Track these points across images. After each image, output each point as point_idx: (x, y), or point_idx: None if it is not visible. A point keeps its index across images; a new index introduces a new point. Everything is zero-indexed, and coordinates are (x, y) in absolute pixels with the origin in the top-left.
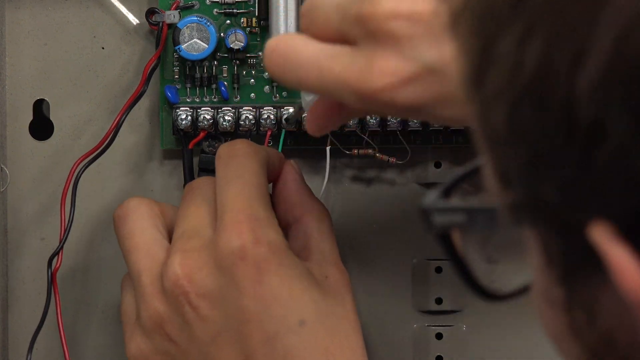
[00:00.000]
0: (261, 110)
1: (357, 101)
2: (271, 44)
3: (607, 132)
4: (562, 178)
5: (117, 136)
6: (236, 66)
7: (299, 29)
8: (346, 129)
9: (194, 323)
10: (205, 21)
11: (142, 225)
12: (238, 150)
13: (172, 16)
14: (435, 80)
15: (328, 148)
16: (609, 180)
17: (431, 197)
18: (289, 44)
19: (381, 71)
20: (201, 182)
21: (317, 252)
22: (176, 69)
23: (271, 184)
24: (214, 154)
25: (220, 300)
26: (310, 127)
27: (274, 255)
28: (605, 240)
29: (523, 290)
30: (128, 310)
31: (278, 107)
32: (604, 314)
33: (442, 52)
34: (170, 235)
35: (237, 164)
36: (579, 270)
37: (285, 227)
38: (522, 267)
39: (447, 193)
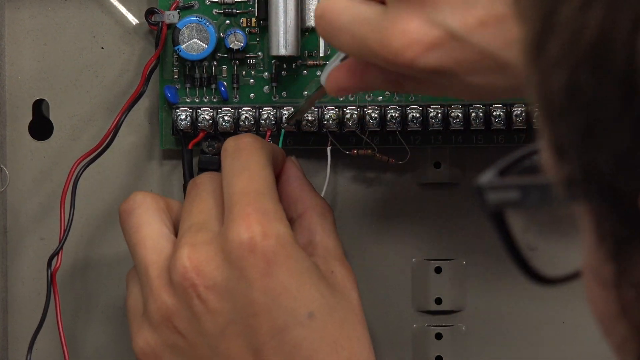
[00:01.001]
0: (261, 110)
1: (384, 64)
2: (318, 9)
3: None
4: (618, 145)
5: (117, 136)
6: (236, 66)
7: (298, 28)
8: (346, 129)
9: (203, 316)
10: (204, 21)
11: (148, 219)
12: (245, 144)
13: (171, 16)
14: (458, 46)
15: (329, 148)
16: None
17: (486, 177)
18: (332, 9)
19: (403, 35)
20: (205, 177)
21: (322, 247)
22: (176, 69)
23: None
24: (214, 154)
25: (228, 292)
26: (330, 86)
27: (283, 248)
28: None
29: (575, 275)
30: (134, 304)
31: (277, 107)
32: None
33: (467, 19)
34: (176, 230)
35: (244, 157)
36: (630, 244)
37: (289, 222)
38: (575, 251)
39: (502, 173)
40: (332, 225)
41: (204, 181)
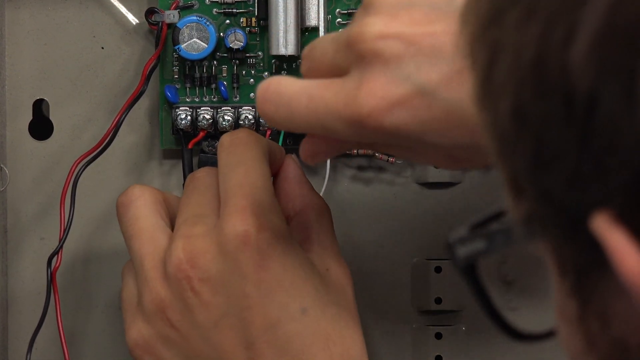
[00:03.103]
0: None
1: (347, 128)
2: (263, 84)
3: (599, 105)
4: (567, 166)
5: (117, 136)
6: (236, 66)
7: (298, 28)
8: None
9: (196, 308)
10: (204, 21)
11: (145, 212)
12: (240, 139)
13: (171, 16)
14: (425, 103)
15: None
16: (604, 158)
17: (457, 232)
18: (281, 82)
19: (369, 93)
20: (203, 172)
21: (318, 244)
22: (176, 69)
23: (272, 178)
24: (214, 153)
25: (222, 285)
26: (304, 155)
27: (278, 241)
28: (604, 228)
29: (552, 332)
30: (129, 296)
31: None
32: (616, 320)
33: (432, 75)
34: (172, 224)
35: (240, 152)
36: (590, 273)
37: (286, 220)
38: (551, 307)
39: (473, 229)
40: (329, 224)
41: (202, 175)
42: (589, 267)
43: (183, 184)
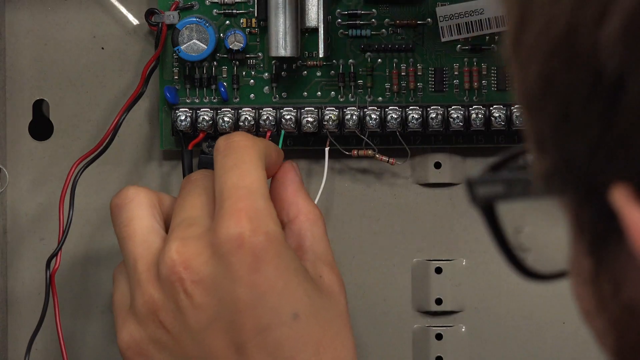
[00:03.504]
0: (260, 111)
1: None
2: None
3: (626, 86)
4: (589, 135)
5: (117, 137)
6: (235, 67)
7: (298, 29)
8: (346, 130)
9: (188, 310)
10: (204, 22)
11: (139, 214)
12: (237, 142)
13: (171, 17)
14: None
15: (327, 149)
16: (629, 137)
17: (477, 171)
18: None
19: None
20: (200, 174)
21: (311, 252)
22: (176, 70)
23: (269, 181)
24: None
25: (215, 287)
26: None
27: (272, 245)
28: (624, 201)
29: (564, 272)
30: (121, 298)
31: (277, 108)
32: (629, 285)
33: None
34: (167, 225)
35: (236, 155)
36: (606, 239)
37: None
38: (565, 247)
39: (493, 169)
40: (323, 232)
41: (198, 178)
42: (605, 232)
43: None
